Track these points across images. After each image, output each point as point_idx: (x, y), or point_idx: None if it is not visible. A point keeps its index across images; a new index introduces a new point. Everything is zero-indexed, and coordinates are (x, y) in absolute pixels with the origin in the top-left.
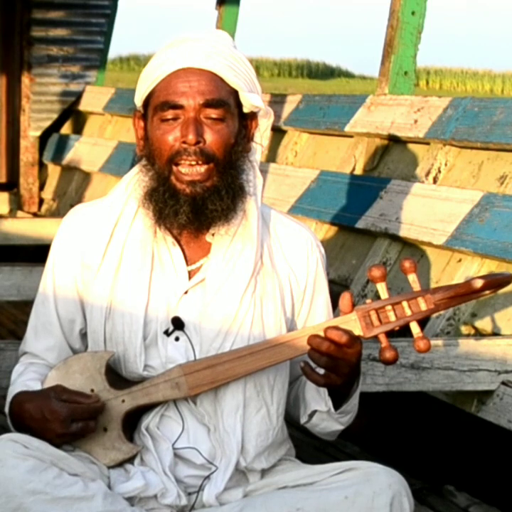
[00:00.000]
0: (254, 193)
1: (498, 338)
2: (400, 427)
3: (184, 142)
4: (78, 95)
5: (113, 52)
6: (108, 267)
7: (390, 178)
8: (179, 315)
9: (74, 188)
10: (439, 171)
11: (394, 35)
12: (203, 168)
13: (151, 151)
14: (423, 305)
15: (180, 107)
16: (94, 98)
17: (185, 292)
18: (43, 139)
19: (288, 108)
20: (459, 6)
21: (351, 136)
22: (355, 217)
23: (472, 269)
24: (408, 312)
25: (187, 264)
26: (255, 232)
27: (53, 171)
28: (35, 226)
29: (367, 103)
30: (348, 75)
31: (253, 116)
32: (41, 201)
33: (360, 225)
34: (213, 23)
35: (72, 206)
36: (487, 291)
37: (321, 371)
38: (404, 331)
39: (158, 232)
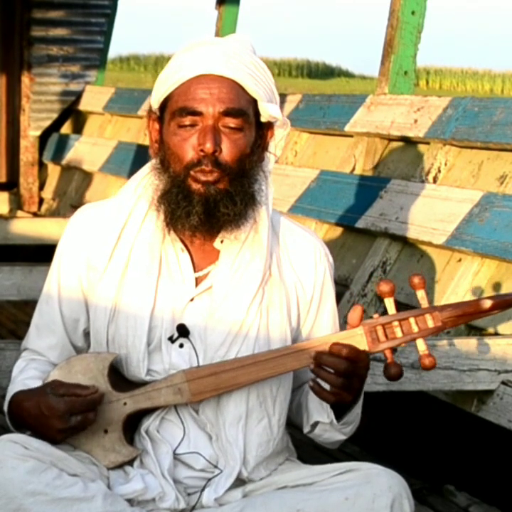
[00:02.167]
0: (265, 203)
1: (498, 338)
2: (400, 427)
3: (201, 151)
4: (78, 95)
5: (113, 52)
6: (114, 269)
7: (390, 178)
8: (184, 322)
9: (74, 187)
10: (439, 171)
11: (394, 35)
12: (216, 173)
13: (166, 155)
14: (430, 322)
15: (199, 113)
16: (94, 98)
17: (192, 299)
18: (43, 139)
19: (288, 108)
20: (459, 6)
21: (351, 136)
22: (355, 217)
23: (472, 268)
24: (415, 329)
25: (194, 271)
26: (265, 242)
27: (53, 171)
28: (35, 226)
29: (367, 103)
30: (348, 74)
31: (269, 125)
32: (41, 201)
33: (360, 224)
34: (213, 23)
35: (72, 206)
36: (495, 310)
37: (327, 387)
38: None
39: (167, 237)
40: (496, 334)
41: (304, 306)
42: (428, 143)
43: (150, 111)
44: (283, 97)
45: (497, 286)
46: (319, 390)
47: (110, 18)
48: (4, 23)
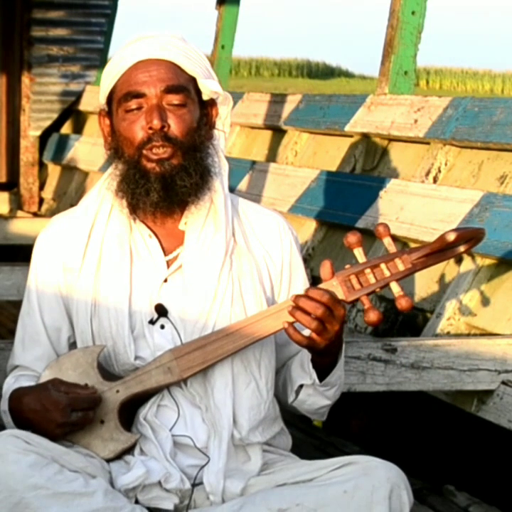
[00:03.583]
0: (219, 173)
1: (498, 338)
2: (400, 427)
3: (150, 128)
4: (78, 95)
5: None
6: (89, 266)
7: (390, 178)
8: (161, 302)
9: (74, 187)
10: (439, 171)
11: (394, 35)
12: (169, 148)
13: (118, 143)
14: (401, 265)
15: (143, 95)
16: (94, 98)
17: (165, 281)
18: (43, 139)
19: (288, 108)
20: (459, 6)
21: (351, 136)
22: (355, 217)
23: (472, 269)
24: (387, 273)
25: (165, 255)
26: (223, 210)
27: (53, 171)
28: (35, 226)
29: (367, 103)
30: (348, 74)
31: (213, 103)
32: (41, 201)
33: (360, 225)
34: (213, 23)
35: (72, 206)
36: (462, 248)
37: (306, 333)
38: (404, 331)
39: (134, 227)
40: (496, 334)
41: (275, 278)
42: (428, 143)
43: (99, 109)
44: (283, 97)
45: (497, 286)
46: (293, 332)
47: (110, 18)
48: (4, 23)
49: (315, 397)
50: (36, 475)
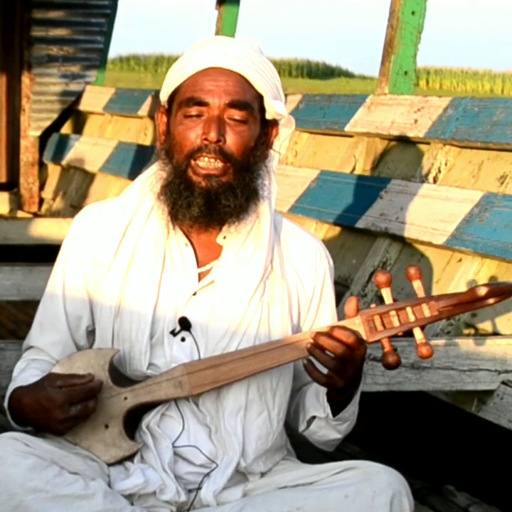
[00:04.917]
0: (268, 197)
1: (498, 338)
2: (400, 427)
3: (205, 139)
4: (78, 95)
5: (113, 52)
6: (119, 265)
7: (390, 178)
8: (187, 315)
9: (74, 188)
10: (439, 171)
11: (394, 35)
12: (220, 164)
13: (171, 146)
14: (427, 312)
15: (206, 104)
16: (94, 98)
17: (194, 294)
18: (43, 139)
19: (288, 108)
20: (459, 6)
21: (351, 136)
22: (355, 217)
23: (472, 269)
24: (412, 318)
25: (198, 266)
26: (267, 236)
27: (53, 171)
28: (35, 226)
29: (367, 103)
30: (348, 74)
31: (274, 123)
32: (41, 201)
33: (360, 225)
34: (213, 23)
35: (72, 206)
36: (491, 300)
37: (324, 370)
38: None
39: (171, 233)
40: (496, 334)
41: (304, 306)
42: (428, 143)
43: (159, 104)
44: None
45: None
46: (312, 369)
47: (110, 18)
48: (4, 23)
49: (326, 430)
50: (36, 478)
